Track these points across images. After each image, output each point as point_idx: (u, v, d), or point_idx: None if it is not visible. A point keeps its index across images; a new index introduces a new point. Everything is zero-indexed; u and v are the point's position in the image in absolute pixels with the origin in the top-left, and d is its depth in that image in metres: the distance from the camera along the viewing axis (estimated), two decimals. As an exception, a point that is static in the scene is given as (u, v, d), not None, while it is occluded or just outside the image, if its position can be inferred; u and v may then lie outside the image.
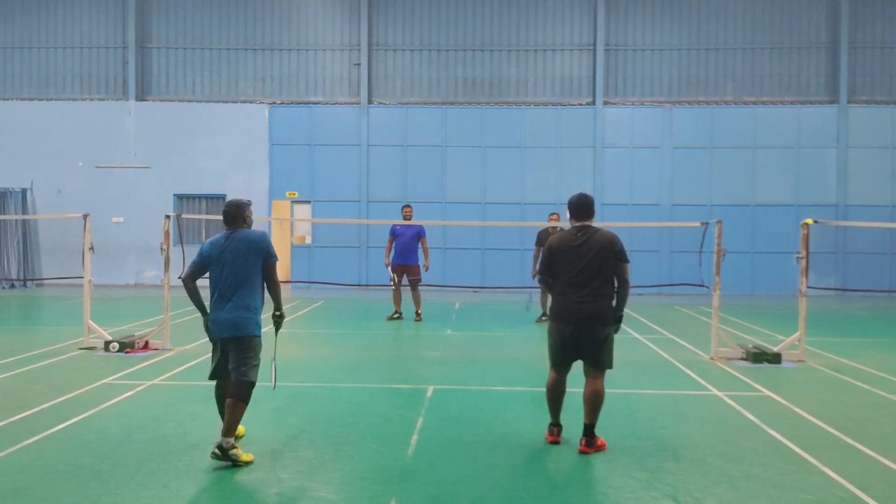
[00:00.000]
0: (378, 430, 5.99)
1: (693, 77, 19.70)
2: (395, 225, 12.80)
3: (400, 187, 19.64)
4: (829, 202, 19.12)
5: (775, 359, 8.97)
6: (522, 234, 18.76)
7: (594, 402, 5.45)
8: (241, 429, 5.60)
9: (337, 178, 19.74)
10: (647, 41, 19.71)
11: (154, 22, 20.26)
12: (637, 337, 11.17)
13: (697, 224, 10.51)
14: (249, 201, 5.55)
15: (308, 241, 20.07)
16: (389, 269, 12.73)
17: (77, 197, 19.27)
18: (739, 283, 18.60)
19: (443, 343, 10.64)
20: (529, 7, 19.85)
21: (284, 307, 5.49)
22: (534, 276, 10.47)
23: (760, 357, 9.00)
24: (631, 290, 5.64)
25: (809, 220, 9.31)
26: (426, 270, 12.81)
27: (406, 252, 12.65)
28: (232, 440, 5.02)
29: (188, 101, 20.11)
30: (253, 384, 5.20)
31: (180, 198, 19.84)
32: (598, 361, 5.50)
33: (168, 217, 9.97)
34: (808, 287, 9.34)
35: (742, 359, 9.18)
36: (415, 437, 5.79)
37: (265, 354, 5.45)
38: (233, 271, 5.20)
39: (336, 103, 19.99)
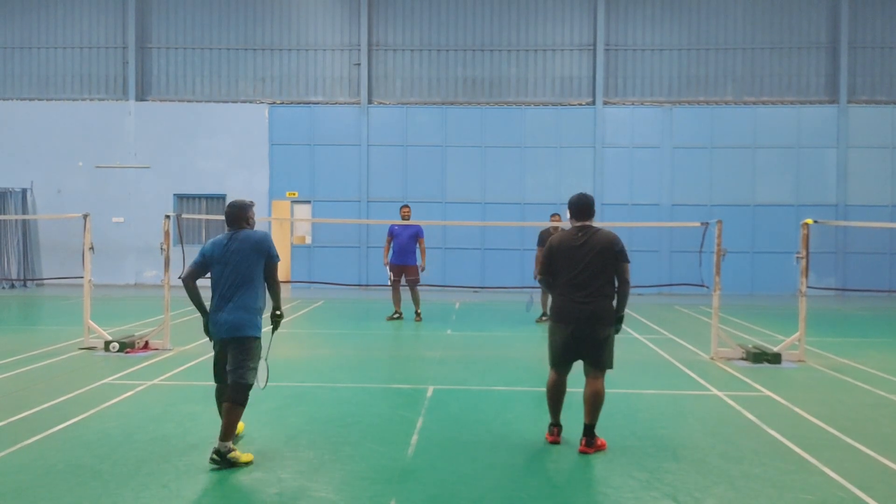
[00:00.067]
0: (378, 430, 5.99)
1: (693, 77, 19.69)
2: (393, 225, 12.84)
3: (400, 187, 19.64)
4: (829, 202, 19.12)
5: (775, 359, 8.97)
6: (522, 234, 18.76)
7: (594, 402, 5.45)
8: (240, 426, 5.59)
9: (337, 178, 19.74)
10: (647, 41, 19.71)
11: (154, 22, 20.26)
12: (637, 337, 11.17)
13: (697, 224, 10.50)
14: (252, 202, 5.54)
15: (308, 241, 20.07)
16: (388, 268, 12.78)
17: (77, 197, 19.27)
18: (739, 283, 18.60)
19: (443, 343, 10.64)
20: (529, 7, 19.85)
21: (284, 307, 5.49)
22: (535, 277, 10.48)
23: (760, 357, 9.00)
24: (631, 291, 5.65)
25: (809, 220, 9.31)
26: (422, 271, 12.82)
27: (404, 252, 12.67)
28: (229, 444, 5.01)
29: (188, 101, 20.11)
30: (249, 386, 5.19)
31: (180, 198, 19.85)
32: (599, 361, 5.51)
33: (168, 217, 9.97)
34: (808, 287, 9.34)
35: (742, 359, 9.18)
36: (415, 437, 5.79)
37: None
38: (234, 271, 5.20)
39: (336, 103, 19.99)
